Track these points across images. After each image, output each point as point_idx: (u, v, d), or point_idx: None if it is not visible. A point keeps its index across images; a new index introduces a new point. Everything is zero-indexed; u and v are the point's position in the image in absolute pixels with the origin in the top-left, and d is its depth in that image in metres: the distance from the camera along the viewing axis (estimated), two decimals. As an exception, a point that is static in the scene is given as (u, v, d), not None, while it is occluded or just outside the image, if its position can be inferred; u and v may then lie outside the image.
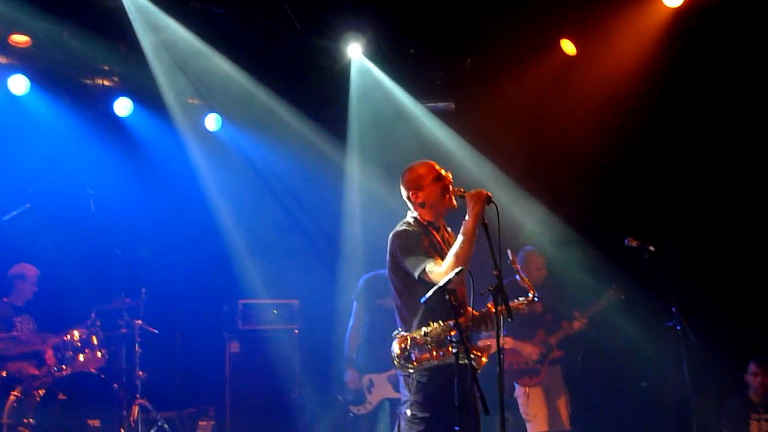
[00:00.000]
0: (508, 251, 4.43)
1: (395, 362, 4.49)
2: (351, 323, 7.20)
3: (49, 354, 7.47)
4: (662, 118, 8.20)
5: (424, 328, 4.44)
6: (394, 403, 6.94)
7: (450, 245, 4.55)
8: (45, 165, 8.15)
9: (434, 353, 4.40)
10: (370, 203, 8.98)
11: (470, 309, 4.54)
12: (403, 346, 4.46)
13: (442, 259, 4.48)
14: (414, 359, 4.43)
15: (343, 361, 7.22)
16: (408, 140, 8.72)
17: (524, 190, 8.62)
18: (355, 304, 7.25)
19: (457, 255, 4.37)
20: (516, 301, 4.55)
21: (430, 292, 4.20)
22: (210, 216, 9.12)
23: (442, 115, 9.06)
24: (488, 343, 4.66)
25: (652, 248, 6.17)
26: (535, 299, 4.57)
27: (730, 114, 7.93)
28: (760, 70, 7.63)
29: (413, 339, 4.44)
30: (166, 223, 8.93)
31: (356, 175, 9.33)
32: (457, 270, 4.23)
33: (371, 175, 9.02)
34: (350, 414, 7.14)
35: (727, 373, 7.33)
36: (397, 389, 6.80)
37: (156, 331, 8.12)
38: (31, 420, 6.81)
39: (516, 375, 7.33)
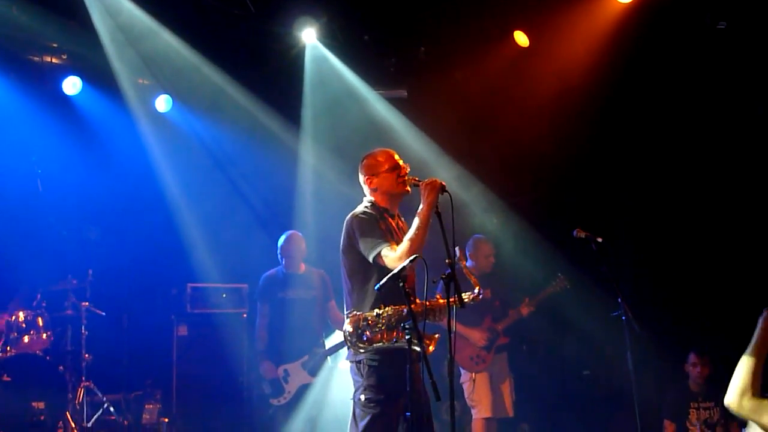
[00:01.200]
0: (457, 248, 4.49)
1: (347, 341, 4.53)
2: (258, 321, 7.47)
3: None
4: (614, 111, 8.34)
5: (377, 310, 4.48)
6: (310, 389, 7.23)
7: (404, 233, 4.62)
8: (-10, 142, 8.00)
9: (385, 335, 4.45)
10: (323, 188, 9.03)
11: (418, 299, 4.57)
12: (356, 324, 4.50)
13: (397, 244, 4.54)
14: (366, 339, 4.47)
15: (256, 357, 7.47)
16: (361, 126, 8.66)
17: (475, 178, 8.69)
18: (258, 304, 7.52)
19: (411, 241, 4.46)
20: (464, 295, 4.55)
21: (385, 279, 4.25)
22: (160, 198, 9.01)
23: (395, 102, 9.08)
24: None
25: (599, 239, 6.25)
26: (480, 295, 4.62)
27: (682, 109, 8.07)
28: (708, 65, 7.78)
29: (366, 319, 4.49)
30: (116, 204, 8.83)
31: (309, 160, 9.29)
32: (412, 257, 4.28)
33: (324, 159, 9.05)
34: (271, 407, 7.29)
35: (668, 363, 7.48)
36: (311, 374, 7.12)
37: (103, 313, 8.08)
38: (-27, 402, 6.71)
39: (462, 361, 7.35)
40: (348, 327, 4.52)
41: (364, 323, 4.48)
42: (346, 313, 4.65)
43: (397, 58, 9.03)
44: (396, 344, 4.42)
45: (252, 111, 8.89)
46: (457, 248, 4.46)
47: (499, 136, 8.75)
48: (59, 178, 8.27)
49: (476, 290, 4.60)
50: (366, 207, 4.78)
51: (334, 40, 8.64)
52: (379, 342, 4.46)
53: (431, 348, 4.51)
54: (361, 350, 4.51)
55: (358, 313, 4.53)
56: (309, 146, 9.22)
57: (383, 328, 4.45)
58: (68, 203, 8.53)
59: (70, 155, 8.50)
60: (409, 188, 4.74)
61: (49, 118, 8.37)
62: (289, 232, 7.66)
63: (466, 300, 4.51)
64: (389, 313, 4.44)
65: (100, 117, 8.77)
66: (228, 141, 9.29)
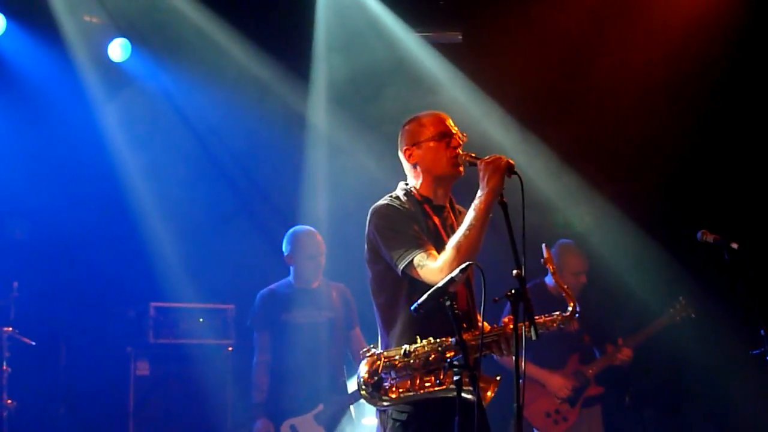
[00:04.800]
0: (543, 246, 4.38)
1: (362, 391, 4.43)
2: (255, 360, 7.55)
3: None
4: (751, 76, 8.31)
5: (405, 346, 4.36)
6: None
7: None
8: None
9: (417, 381, 4.35)
10: (343, 169, 9.02)
11: (481, 321, 4.42)
12: (372, 368, 4.38)
13: (440, 250, 4.41)
14: (387, 388, 4.37)
15: (251, 411, 7.56)
16: (397, 81, 8.70)
17: (559, 158, 8.67)
18: (255, 334, 7.62)
19: (458, 246, 4.35)
20: (546, 315, 4.46)
21: (425, 296, 4.11)
22: (113, 183, 9.08)
23: (446, 49, 9.08)
24: None
25: (734, 245, 6.10)
26: (576, 315, 4.48)
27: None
28: None
29: (388, 360, 4.38)
30: (53, 190, 8.84)
31: (323, 129, 9.32)
32: (464, 266, 4.13)
33: (344, 128, 9.07)
34: None
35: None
36: (329, 429, 7.39)
37: (32, 343, 8.10)
38: None
39: (535, 418, 7.38)
40: (362, 371, 4.41)
41: (385, 365, 4.37)
42: (362, 349, 4.55)
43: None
44: (436, 393, 4.30)
45: (242, 61, 8.96)
46: (543, 246, 4.37)
47: (592, 99, 8.75)
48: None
49: (570, 308, 4.45)
50: (396, 197, 4.69)
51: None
52: (407, 392, 4.35)
53: (489, 394, 4.39)
54: (385, 403, 4.41)
55: (376, 351, 4.44)
56: (322, 109, 9.26)
57: (416, 371, 4.34)
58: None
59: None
60: (461, 167, 4.64)
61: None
62: (300, 227, 7.67)
63: (552, 321, 4.42)
64: (426, 349, 4.33)
65: (30, 69, 8.82)
66: (209, 104, 9.30)
